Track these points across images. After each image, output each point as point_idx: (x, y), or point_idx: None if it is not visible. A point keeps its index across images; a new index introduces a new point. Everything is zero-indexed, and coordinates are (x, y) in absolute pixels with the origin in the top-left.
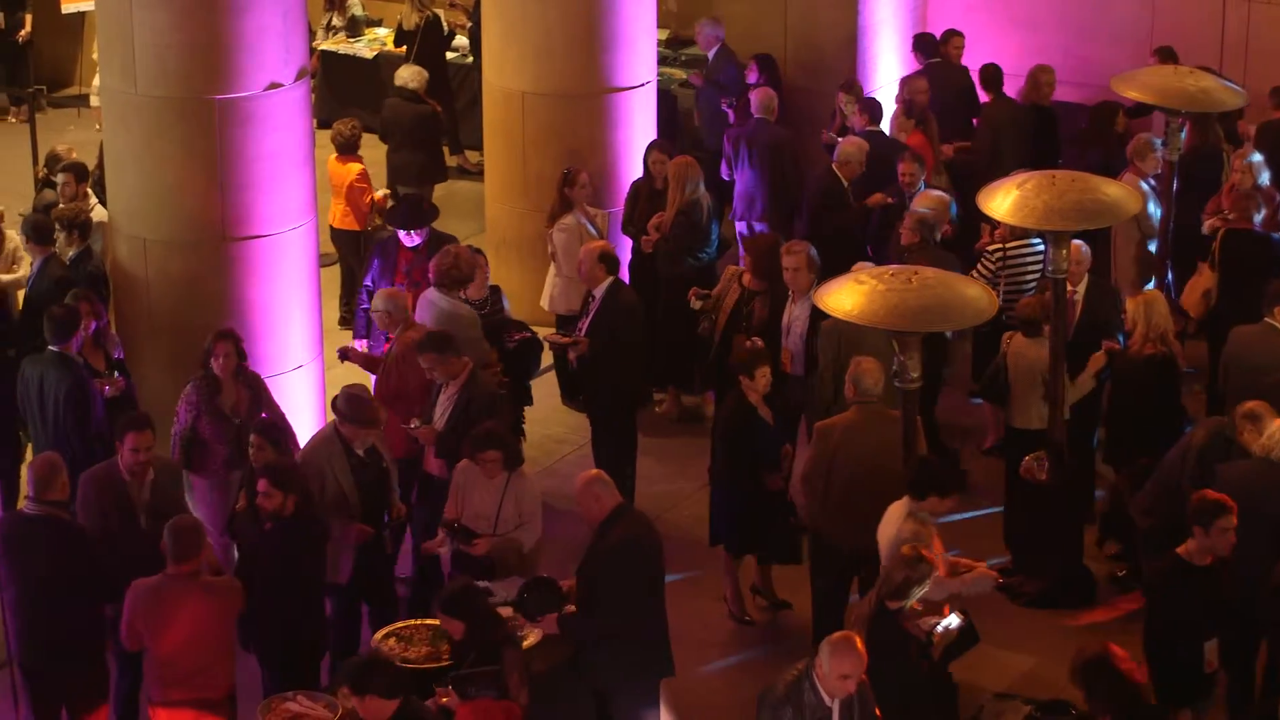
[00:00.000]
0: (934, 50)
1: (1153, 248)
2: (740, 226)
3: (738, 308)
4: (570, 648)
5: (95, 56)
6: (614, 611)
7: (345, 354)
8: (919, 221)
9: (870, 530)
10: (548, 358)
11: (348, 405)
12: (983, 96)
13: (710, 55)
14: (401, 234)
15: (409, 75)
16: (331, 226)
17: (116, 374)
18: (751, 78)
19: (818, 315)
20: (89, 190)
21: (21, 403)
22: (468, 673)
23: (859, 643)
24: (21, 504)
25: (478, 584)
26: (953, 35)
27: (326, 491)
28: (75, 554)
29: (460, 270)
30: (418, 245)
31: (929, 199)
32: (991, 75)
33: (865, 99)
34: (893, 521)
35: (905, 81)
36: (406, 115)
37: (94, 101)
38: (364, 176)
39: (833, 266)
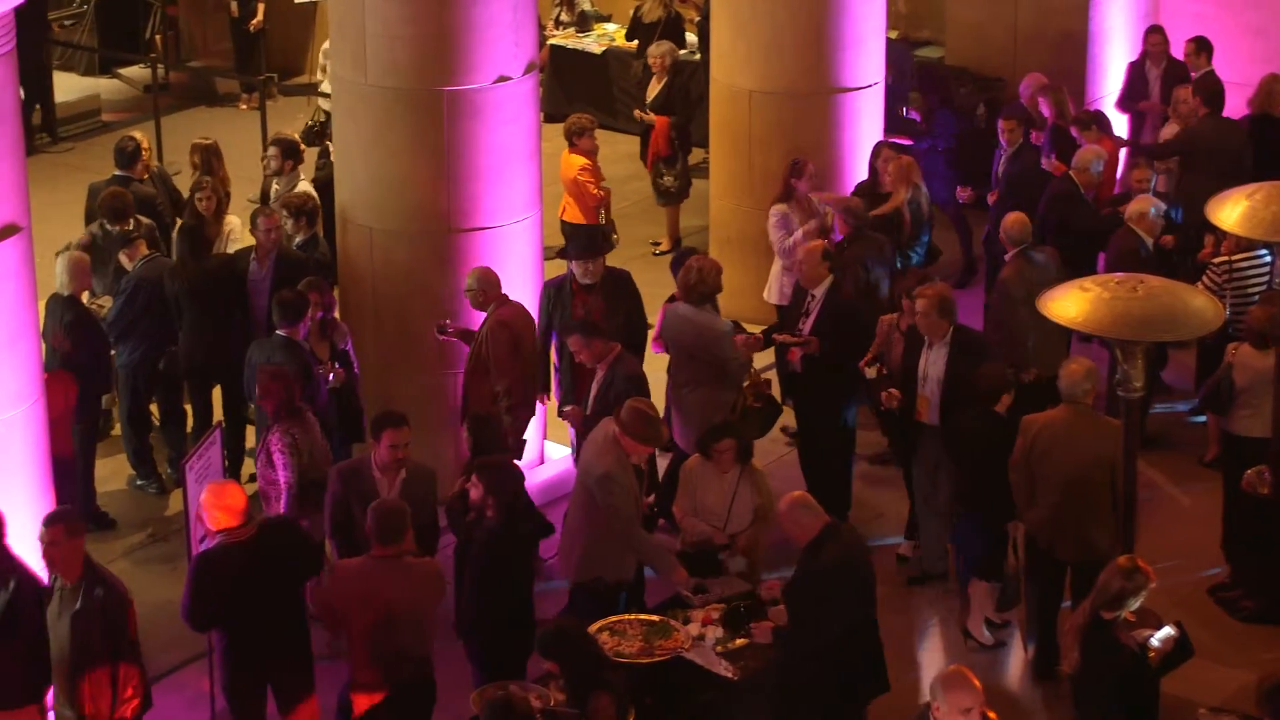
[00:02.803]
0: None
1: None
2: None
3: (907, 356)
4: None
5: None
6: (828, 631)
7: (443, 328)
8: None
9: (1081, 538)
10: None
11: (633, 420)
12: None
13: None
14: (575, 268)
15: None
16: (561, 219)
17: (337, 364)
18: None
19: (956, 361)
20: (297, 167)
21: (248, 386)
22: (552, 710)
23: (971, 676)
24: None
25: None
26: (1151, 32)
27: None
28: (296, 559)
29: (705, 282)
30: (593, 284)
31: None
32: (1212, 91)
33: (1092, 113)
34: None
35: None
36: None
37: (325, 86)
38: (588, 170)
39: (1070, 274)
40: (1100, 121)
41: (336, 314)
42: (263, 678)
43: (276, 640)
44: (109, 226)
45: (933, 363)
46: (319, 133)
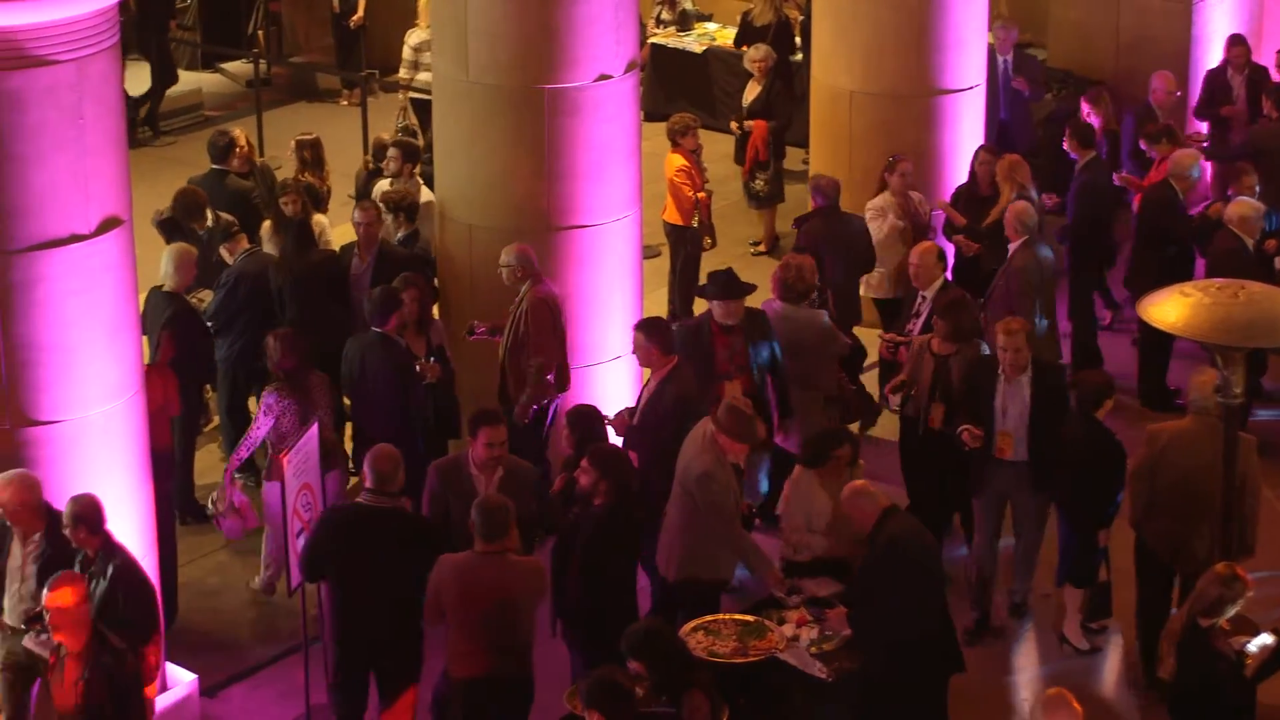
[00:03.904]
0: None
1: None
2: None
3: (936, 379)
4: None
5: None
6: (894, 611)
7: (471, 330)
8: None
9: (1190, 543)
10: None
11: (729, 418)
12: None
13: (1009, 58)
14: (715, 308)
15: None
16: (663, 219)
17: (433, 360)
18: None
19: (1042, 393)
20: (415, 172)
21: (344, 381)
22: (647, 713)
23: (1071, 699)
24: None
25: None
26: (1234, 44)
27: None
28: (419, 547)
29: (804, 279)
30: (733, 325)
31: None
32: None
33: (1163, 126)
34: None
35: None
36: None
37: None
38: (684, 171)
39: (1166, 279)
40: (1170, 134)
41: (435, 311)
42: (369, 660)
43: (384, 620)
44: (193, 224)
45: (1013, 397)
46: (412, 134)
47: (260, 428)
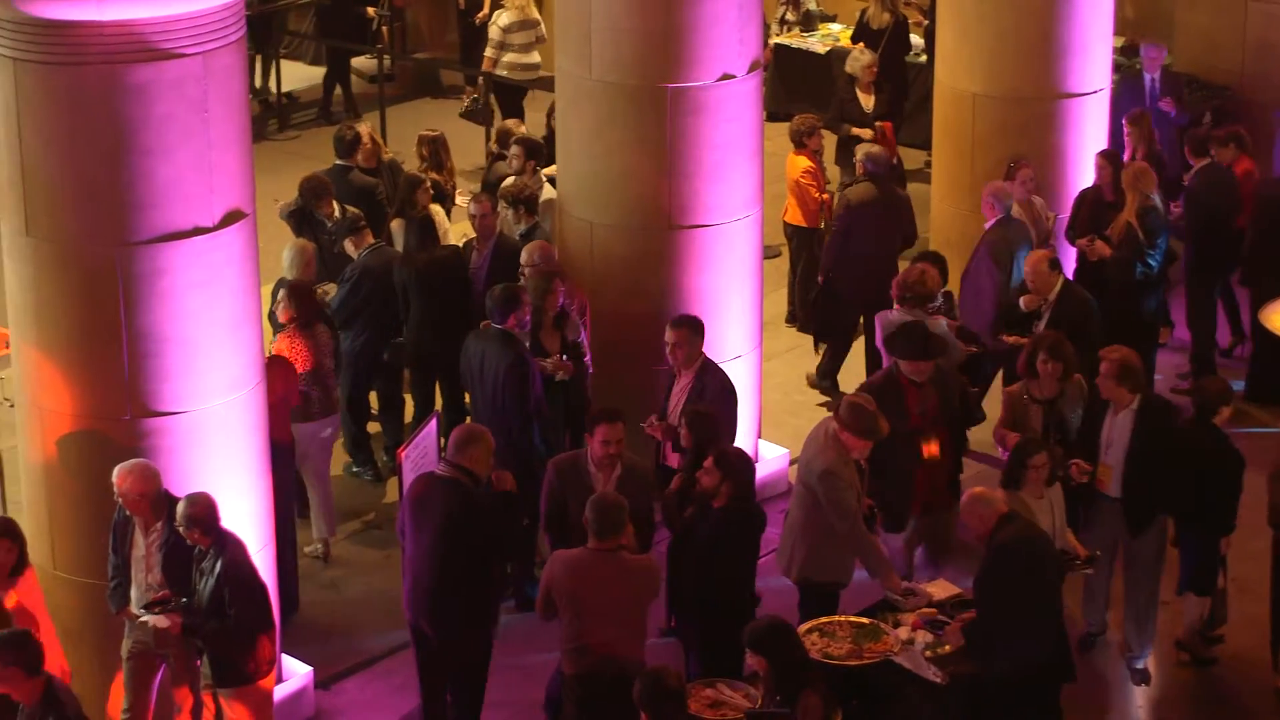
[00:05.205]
0: None
1: None
2: None
3: (1049, 426)
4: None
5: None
6: (1006, 613)
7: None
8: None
9: None
10: None
11: (851, 415)
12: None
13: (1155, 77)
14: (904, 366)
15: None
16: (784, 220)
17: (565, 357)
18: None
19: (1143, 432)
20: (538, 168)
21: (464, 376)
22: (760, 712)
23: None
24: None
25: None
26: None
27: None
28: (468, 520)
29: (926, 285)
30: (923, 382)
31: None
32: None
33: (1229, 130)
34: None
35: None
36: None
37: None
38: (810, 173)
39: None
40: (1239, 139)
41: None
42: (430, 629)
43: (439, 587)
44: (320, 210)
45: (1117, 430)
46: (478, 113)
47: None
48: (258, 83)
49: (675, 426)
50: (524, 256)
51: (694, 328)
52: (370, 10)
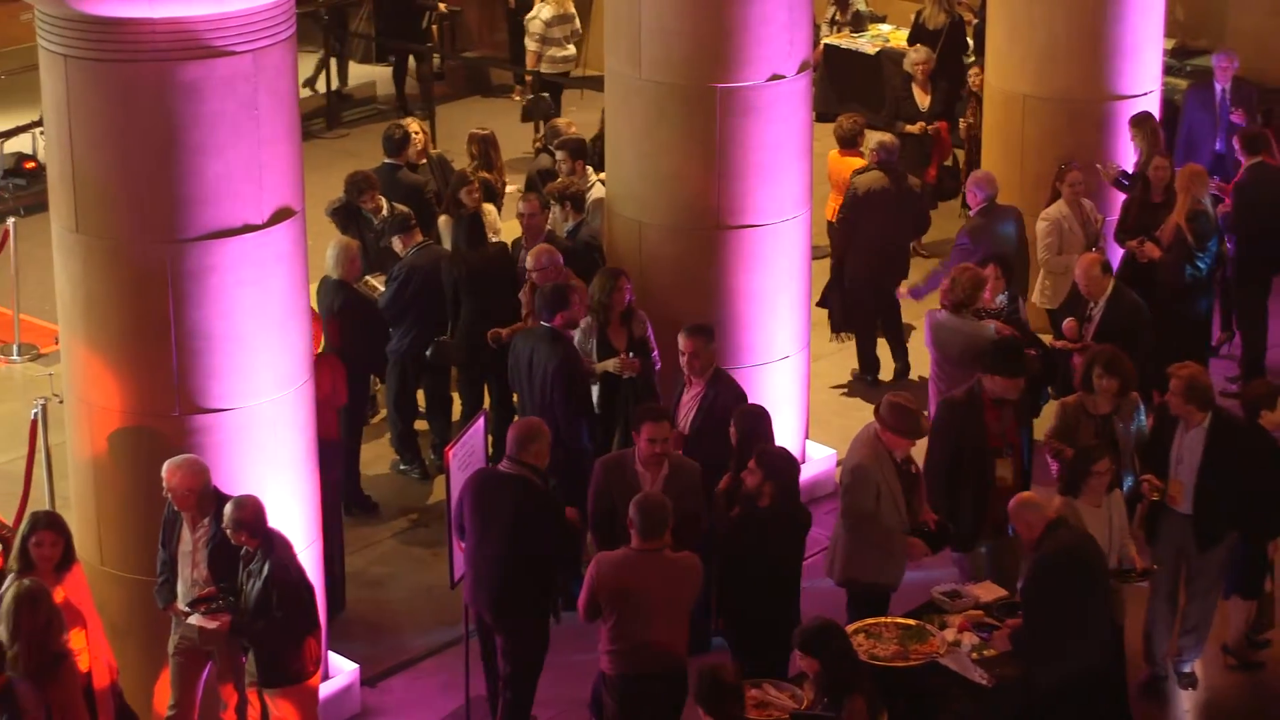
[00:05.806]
0: None
1: None
2: None
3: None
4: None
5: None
6: (1051, 620)
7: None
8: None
9: None
10: None
11: (891, 414)
12: None
13: (1226, 87)
14: (988, 383)
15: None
16: (828, 220)
17: (632, 354)
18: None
19: (1215, 448)
20: (586, 167)
21: (511, 374)
22: (806, 714)
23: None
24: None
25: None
26: None
27: (881, 498)
28: (538, 516)
29: (977, 290)
30: (1006, 401)
31: None
32: None
33: (1257, 130)
34: None
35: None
36: None
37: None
38: None
39: None
40: (1263, 141)
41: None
42: (491, 624)
43: (500, 584)
44: (364, 205)
45: (1188, 446)
46: (539, 109)
47: None
48: (327, 84)
49: (685, 435)
50: (530, 261)
51: (708, 336)
52: (442, 5)
